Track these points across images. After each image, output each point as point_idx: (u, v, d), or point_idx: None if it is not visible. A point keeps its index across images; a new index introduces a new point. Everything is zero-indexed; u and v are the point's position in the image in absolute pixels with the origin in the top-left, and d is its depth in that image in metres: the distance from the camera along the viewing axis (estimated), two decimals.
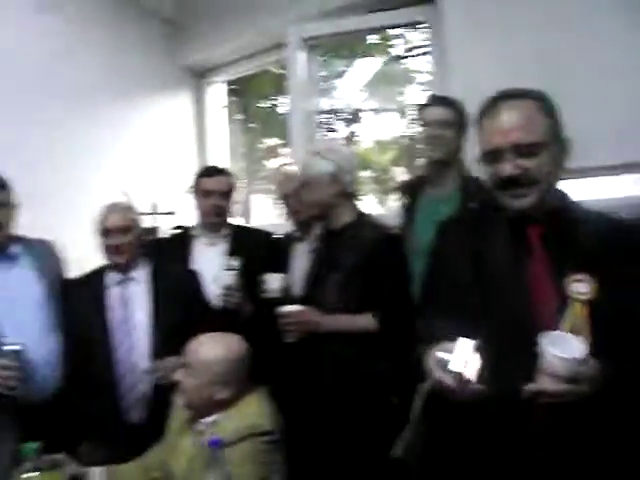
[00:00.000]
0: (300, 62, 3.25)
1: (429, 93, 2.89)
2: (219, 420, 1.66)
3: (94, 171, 3.41)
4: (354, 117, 6.77)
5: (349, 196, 2.10)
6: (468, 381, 1.14)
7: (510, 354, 1.22)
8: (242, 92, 6.80)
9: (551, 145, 1.28)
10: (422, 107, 2.38)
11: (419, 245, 2.07)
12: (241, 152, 7.92)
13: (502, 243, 1.34)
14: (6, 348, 1.92)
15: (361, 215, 2.11)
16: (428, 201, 2.32)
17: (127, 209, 2.29)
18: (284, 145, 7.62)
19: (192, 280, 2.30)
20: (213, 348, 1.68)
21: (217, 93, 4.09)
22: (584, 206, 1.38)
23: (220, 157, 4.05)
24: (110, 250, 2.20)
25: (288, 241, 2.59)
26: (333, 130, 7.14)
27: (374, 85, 5.89)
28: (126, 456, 1.88)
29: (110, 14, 3.62)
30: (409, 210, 2.38)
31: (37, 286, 2.18)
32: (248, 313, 2.35)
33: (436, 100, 2.37)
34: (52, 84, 3.29)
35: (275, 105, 7.32)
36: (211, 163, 3.79)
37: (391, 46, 5.79)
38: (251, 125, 7.23)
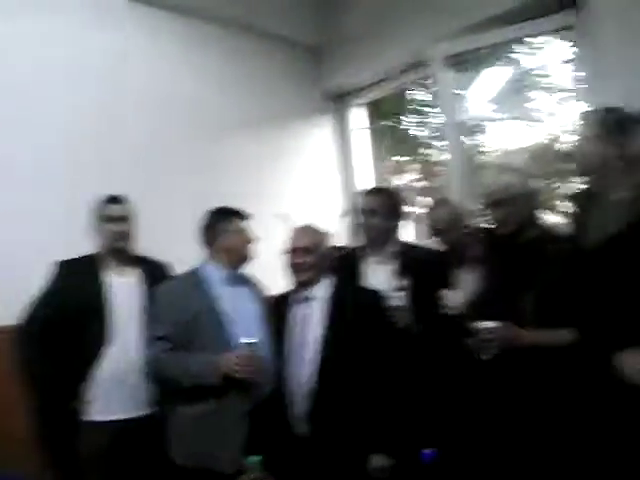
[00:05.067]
0: (446, 79, 3.33)
1: (580, 101, 2.87)
2: None
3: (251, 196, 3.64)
4: (483, 127, 6.74)
5: (538, 210, 2.16)
6: None
7: None
8: (370, 112, 7.00)
9: None
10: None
11: None
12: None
13: None
14: (243, 341, 2.11)
15: (545, 228, 2.14)
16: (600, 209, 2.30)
17: (314, 230, 2.43)
18: (412, 162, 7.71)
19: (374, 299, 2.35)
20: None
21: (358, 115, 4.25)
22: None
23: (366, 178, 4.19)
24: (295, 267, 2.35)
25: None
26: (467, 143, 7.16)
27: (504, 94, 5.85)
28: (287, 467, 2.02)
29: (255, 46, 3.91)
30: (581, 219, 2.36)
31: (257, 304, 2.40)
32: (417, 332, 2.37)
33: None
34: (204, 116, 3.61)
35: (399, 123, 7.43)
36: (362, 185, 3.98)
37: (521, 53, 5.74)
38: (379, 144, 7.40)
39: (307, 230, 2.42)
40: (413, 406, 2.22)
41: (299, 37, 4.09)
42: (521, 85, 6.00)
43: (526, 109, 6.21)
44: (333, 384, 2.18)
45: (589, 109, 2.45)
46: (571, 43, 3.10)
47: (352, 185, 4.08)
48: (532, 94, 6.19)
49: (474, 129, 6.78)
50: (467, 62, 3.49)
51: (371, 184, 3.78)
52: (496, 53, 5.36)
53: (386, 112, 6.76)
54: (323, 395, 2.19)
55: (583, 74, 3.03)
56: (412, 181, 7.50)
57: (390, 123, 7.20)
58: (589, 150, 2.11)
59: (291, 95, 4.06)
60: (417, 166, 7.61)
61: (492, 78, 5.64)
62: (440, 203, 2.75)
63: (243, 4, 3.75)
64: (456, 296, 2.27)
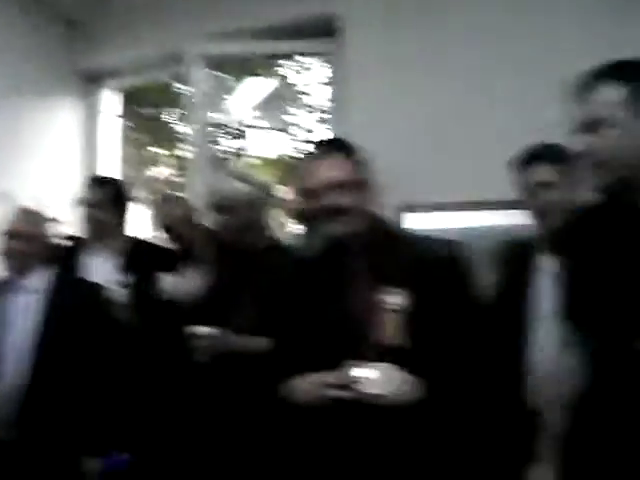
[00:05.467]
0: (199, 79, 3.30)
1: (328, 123, 3.06)
2: None
3: None
4: (241, 133, 6.88)
5: (263, 220, 2.21)
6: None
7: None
8: (130, 99, 6.69)
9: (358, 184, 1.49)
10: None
11: None
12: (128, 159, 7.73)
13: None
14: None
15: (273, 239, 2.22)
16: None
17: (36, 215, 2.22)
18: (171, 155, 7.57)
19: (94, 293, 2.23)
20: None
21: (111, 101, 4.01)
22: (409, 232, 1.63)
23: (111, 166, 3.96)
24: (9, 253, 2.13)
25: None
26: (218, 144, 7.21)
27: (266, 104, 6.06)
28: None
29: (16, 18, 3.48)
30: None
31: None
32: (135, 326, 2.31)
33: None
34: None
35: (161, 115, 7.27)
36: (101, 171, 3.75)
37: (287, 68, 6.02)
38: (137, 133, 7.11)
39: (28, 214, 2.20)
40: (127, 406, 2.15)
41: (57, 7, 3.70)
42: (283, 98, 6.30)
43: (285, 122, 6.54)
44: (44, 383, 2.01)
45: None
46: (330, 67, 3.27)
47: (93, 173, 3.83)
48: (293, 109, 6.54)
49: (233, 133, 6.94)
50: (230, 67, 3.51)
51: (98, 174, 3.55)
52: (263, 64, 5.56)
53: (149, 101, 6.57)
54: (33, 395, 2.00)
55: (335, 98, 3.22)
56: (167, 175, 7.40)
57: (151, 113, 7.00)
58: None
59: (40, 69, 3.64)
60: (173, 161, 7.52)
61: (257, 87, 5.83)
62: (168, 199, 2.73)
63: None
64: (177, 282, 2.25)
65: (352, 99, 2.93)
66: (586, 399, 1.42)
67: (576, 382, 1.43)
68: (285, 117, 6.54)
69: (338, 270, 1.51)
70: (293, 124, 6.50)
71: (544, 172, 1.84)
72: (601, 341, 1.36)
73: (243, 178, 2.26)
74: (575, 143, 1.30)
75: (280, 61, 5.93)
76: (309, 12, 3.14)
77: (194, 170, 3.23)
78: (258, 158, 6.70)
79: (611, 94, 1.23)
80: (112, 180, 2.72)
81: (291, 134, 6.43)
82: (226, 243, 2.24)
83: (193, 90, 3.30)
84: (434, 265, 1.47)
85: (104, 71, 3.84)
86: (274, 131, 6.54)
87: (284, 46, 3.26)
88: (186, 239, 2.50)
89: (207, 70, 3.35)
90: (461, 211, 2.60)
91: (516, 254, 2.01)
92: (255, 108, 6.06)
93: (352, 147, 1.58)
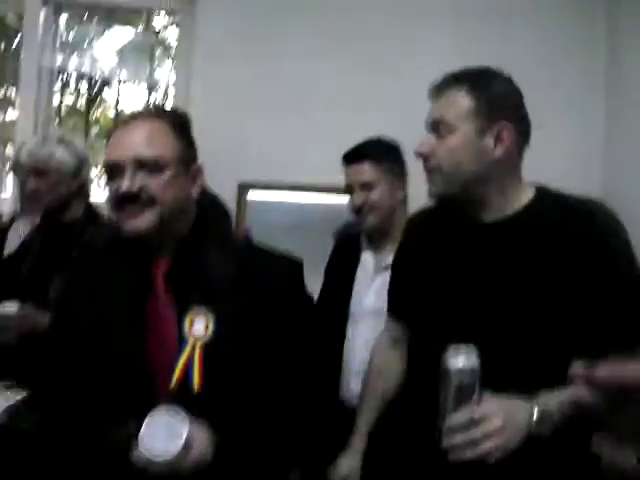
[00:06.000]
0: (38, 19, 3.03)
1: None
2: None
3: None
4: (103, 83, 6.48)
5: (84, 190, 2.03)
6: None
7: (126, 399, 1.11)
8: None
9: (177, 166, 1.17)
10: None
11: None
12: None
13: (121, 278, 1.21)
14: None
15: (91, 211, 2.04)
16: None
17: None
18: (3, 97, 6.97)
19: None
20: None
21: None
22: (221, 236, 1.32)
23: None
24: None
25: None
26: (78, 92, 6.77)
27: (127, 55, 5.72)
28: None
29: None
30: None
31: None
32: None
33: None
34: None
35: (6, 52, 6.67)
36: None
37: (149, 19, 5.69)
38: None
39: None
40: None
41: None
42: (147, 49, 5.97)
43: (150, 74, 6.22)
44: None
45: None
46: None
47: None
48: (153, 60, 6.19)
49: (93, 82, 6.54)
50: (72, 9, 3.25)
51: None
52: (134, 15, 5.22)
53: None
54: None
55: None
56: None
57: None
58: None
59: None
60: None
61: (117, 36, 5.48)
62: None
63: None
64: None
65: (195, 67, 2.82)
66: (398, 394, 1.44)
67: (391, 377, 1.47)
68: (149, 71, 6.23)
69: (135, 278, 1.19)
70: (157, 79, 6.23)
71: (364, 171, 1.83)
72: (417, 337, 1.34)
73: (66, 141, 2.06)
74: (420, 143, 1.25)
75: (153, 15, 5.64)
76: None
77: (22, 119, 2.99)
78: (119, 111, 6.39)
79: (459, 100, 1.20)
80: None
81: (155, 89, 6.17)
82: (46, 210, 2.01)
83: (33, 32, 3.02)
84: (267, 281, 1.18)
85: None
86: (137, 84, 6.22)
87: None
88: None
89: (51, 14, 3.09)
90: (297, 191, 2.64)
91: (344, 247, 2.02)
92: (117, 58, 5.72)
93: (174, 116, 1.24)
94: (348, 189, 1.88)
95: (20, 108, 3.07)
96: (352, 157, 1.87)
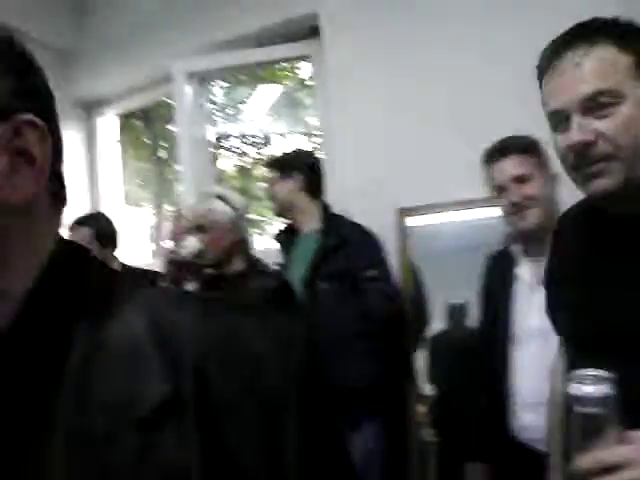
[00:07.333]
0: (186, 95, 3.24)
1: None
2: None
3: None
4: (265, 141, 6.81)
5: (243, 243, 2.08)
6: None
7: None
8: (150, 118, 6.74)
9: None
10: None
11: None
12: (150, 178, 7.82)
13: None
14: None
15: (253, 263, 2.07)
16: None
17: None
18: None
19: None
20: None
21: (109, 126, 4.00)
22: None
23: (112, 191, 3.95)
24: None
25: None
26: (244, 154, 7.20)
27: (280, 110, 5.94)
28: None
29: None
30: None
31: None
32: None
33: None
34: None
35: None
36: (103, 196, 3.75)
37: (295, 72, 5.86)
38: (160, 151, 7.17)
39: None
40: None
41: (48, 38, 3.72)
42: (294, 99, 6.15)
43: (304, 123, 6.41)
44: None
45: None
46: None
47: (97, 199, 3.83)
48: (305, 109, 6.36)
49: (254, 142, 6.89)
50: (216, 78, 3.43)
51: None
52: (269, 70, 5.40)
53: (167, 118, 6.60)
54: None
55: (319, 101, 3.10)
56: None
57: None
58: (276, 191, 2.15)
59: None
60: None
61: (266, 94, 5.71)
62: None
63: None
64: None
65: (334, 99, 2.82)
66: None
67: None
68: (304, 121, 6.41)
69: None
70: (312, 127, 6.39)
71: (514, 164, 1.63)
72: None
73: (223, 197, 2.14)
74: (572, 131, 0.98)
75: (296, 64, 5.82)
76: (291, 15, 3.04)
77: (184, 186, 3.17)
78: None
79: (618, 60, 0.94)
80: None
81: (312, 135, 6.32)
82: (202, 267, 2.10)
83: (179, 106, 3.24)
84: None
85: (99, 97, 3.84)
86: (294, 135, 6.43)
87: (267, 52, 3.16)
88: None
89: (196, 86, 3.29)
90: (453, 210, 2.43)
91: (495, 265, 1.83)
92: (270, 114, 5.98)
93: None
94: (499, 190, 1.67)
95: (181, 182, 3.26)
96: (497, 153, 1.68)
